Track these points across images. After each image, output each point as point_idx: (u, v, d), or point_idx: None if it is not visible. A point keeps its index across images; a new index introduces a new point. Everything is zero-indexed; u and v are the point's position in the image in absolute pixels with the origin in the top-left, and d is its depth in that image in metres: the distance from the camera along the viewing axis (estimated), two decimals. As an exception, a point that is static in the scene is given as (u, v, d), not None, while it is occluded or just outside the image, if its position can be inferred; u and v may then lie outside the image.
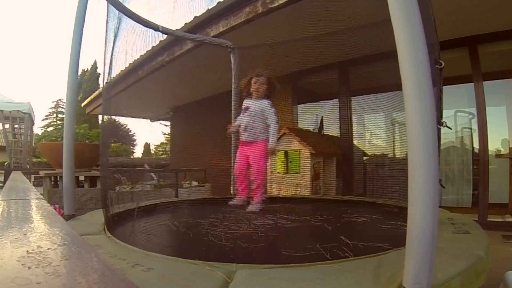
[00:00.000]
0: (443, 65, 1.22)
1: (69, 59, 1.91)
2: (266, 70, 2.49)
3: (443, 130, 1.23)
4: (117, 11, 2.06)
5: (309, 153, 3.59)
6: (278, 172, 3.84)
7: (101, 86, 3.07)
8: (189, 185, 4.67)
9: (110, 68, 2.05)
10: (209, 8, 3.49)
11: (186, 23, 3.67)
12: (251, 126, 2.42)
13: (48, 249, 0.44)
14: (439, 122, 1.14)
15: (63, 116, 2.10)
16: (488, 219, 3.33)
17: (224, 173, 3.16)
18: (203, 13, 3.54)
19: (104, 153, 2.31)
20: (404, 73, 0.80)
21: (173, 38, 3.71)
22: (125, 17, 2.18)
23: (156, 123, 11.00)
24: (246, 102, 2.49)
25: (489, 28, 3.31)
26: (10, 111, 6.49)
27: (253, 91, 2.42)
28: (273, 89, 2.46)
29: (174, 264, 1.04)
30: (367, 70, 3.66)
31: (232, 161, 3.23)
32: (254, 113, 2.42)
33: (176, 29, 3.44)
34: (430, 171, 0.76)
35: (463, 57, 3.55)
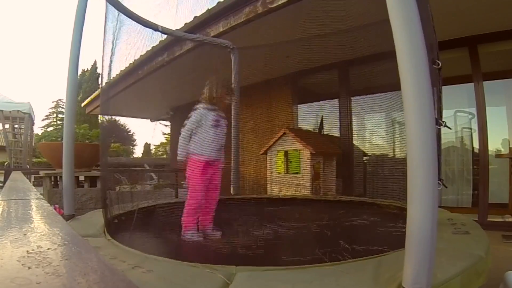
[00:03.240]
0: (440, 65, 1.22)
1: (69, 59, 1.91)
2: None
3: (443, 130, 1.23)
4: (116, 11, 2.06)
5: (309, 153, 3.59)
6: (278, 173, 3.84)
7: (101, 86, 3.07)
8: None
9: (110, 68, 2.05)
10: (209, 8, 3.49)
11: (186, 23, 3.67)
12: (225, 143, 2.01)
13: (48, 249, 0.44)
14: (439, 122, 1.14)
15: (63, 116, 2.10)
16: (488, 219, 3.33)
17: (224, 173, 3.15)
18: (203, 13, 3.54)
19: (104, 153, 2.31)
20: (403, 73, 0.80)
21: (173, 38, 3.70)
22: (125, 17, 2.18)
23: (156, 123, 11.00)
24: (213, 113, 1.92)
25: (489, 28, 3.31)
26: (10, 111, 6.49)
27: (220, 101, 1.96)
28: None
29: (174, 266, 1.04)
30: (367, 70, 3.65)
31: (232, 161, 3.23)
32: (226, 127, 2.01)
33: (176, 29, 3.44)
34: (429, 171, 0.76)
35: (463, 57, 3.55)
